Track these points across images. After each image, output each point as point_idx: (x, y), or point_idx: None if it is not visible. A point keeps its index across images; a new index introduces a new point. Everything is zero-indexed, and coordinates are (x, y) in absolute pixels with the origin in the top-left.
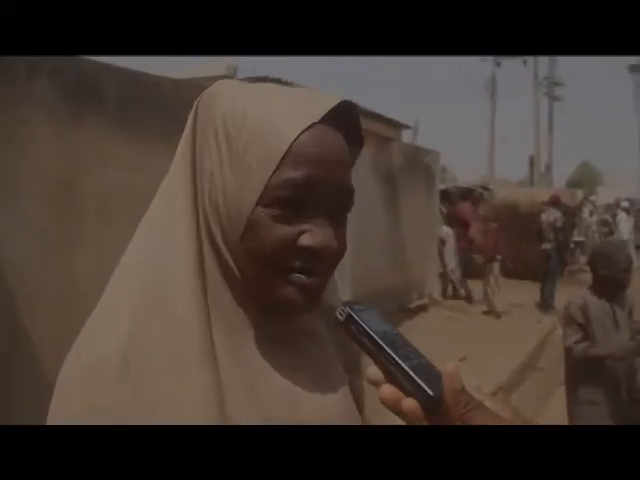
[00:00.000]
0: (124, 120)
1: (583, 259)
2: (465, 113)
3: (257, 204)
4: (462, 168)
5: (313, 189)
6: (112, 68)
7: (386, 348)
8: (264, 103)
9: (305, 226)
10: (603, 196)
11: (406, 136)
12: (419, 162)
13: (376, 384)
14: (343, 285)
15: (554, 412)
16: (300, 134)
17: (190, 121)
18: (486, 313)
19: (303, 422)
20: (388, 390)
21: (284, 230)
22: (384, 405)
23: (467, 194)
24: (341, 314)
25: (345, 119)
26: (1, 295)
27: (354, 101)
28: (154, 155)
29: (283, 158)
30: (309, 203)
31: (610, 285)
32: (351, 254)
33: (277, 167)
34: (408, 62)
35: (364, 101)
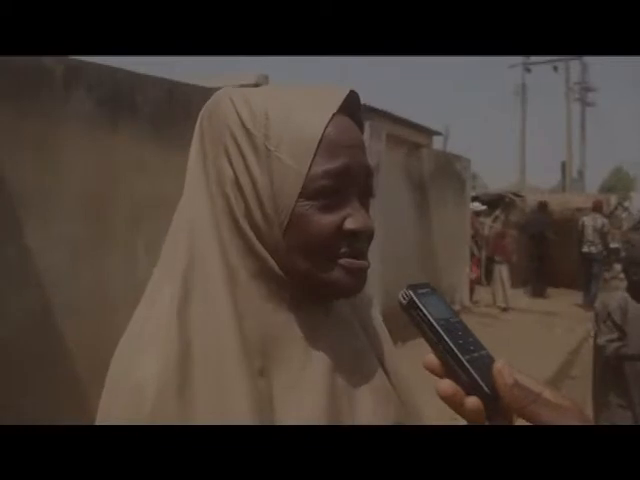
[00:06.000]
0: (157, 129)
1: (617, 266)
2: (496, 120)
3: (299, 197)
4: (493, 175)
5: (348, 175)
6: (146, 78)
7: (445, 338)
8: (282, 101)
9: (346, 211)
10: (637, 202)
11: (437, 143)
12: (450, 169)
13: (434, 372)
14: (373, 291)
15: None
16: (327, 124)
17: (197, 135)
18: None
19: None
20: (448, 386)
21: (329, 218)
22: (442, 399)
23: (498, 201)
24: (404, 297)
25: (351, 108)
26: (37, 301)
27: (386, 108)
28: (185, 163)
29: (316, 150)
30: (346, 189)
31: None
32: (382, 260)
33: (312, 159)
34: (440, 69)
35: (395, 108)
